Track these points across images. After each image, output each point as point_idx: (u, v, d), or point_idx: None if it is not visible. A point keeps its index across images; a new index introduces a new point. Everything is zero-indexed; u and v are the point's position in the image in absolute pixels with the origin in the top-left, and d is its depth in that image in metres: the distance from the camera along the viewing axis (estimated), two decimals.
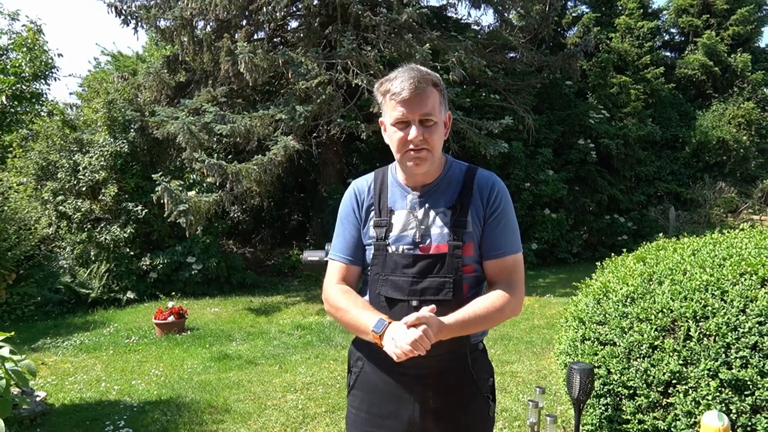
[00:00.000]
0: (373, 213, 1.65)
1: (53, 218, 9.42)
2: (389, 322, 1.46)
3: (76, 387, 4.88)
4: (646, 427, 2.63)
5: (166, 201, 7.71)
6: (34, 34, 13.59)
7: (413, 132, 1.49)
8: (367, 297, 1.67)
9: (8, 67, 13.47)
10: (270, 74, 8.97)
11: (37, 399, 4.13)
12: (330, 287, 1.67)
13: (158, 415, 4.12)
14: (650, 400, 2.62)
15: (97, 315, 8.12)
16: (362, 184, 1.72)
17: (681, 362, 2.54)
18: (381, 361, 1.62)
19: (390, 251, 1.59)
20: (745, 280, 2.59)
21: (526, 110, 10.48)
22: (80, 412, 4.25)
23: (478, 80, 11.05)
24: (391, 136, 1.55)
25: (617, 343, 2.82)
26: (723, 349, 2.45)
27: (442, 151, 1.65)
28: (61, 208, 9.13)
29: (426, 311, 1.41)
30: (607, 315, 2.96)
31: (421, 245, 1.57)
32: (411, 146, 1.51)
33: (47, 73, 14.06)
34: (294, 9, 10.52)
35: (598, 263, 3.72)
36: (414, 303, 1.54)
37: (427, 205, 1.60)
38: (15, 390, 3.70)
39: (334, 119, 8.79)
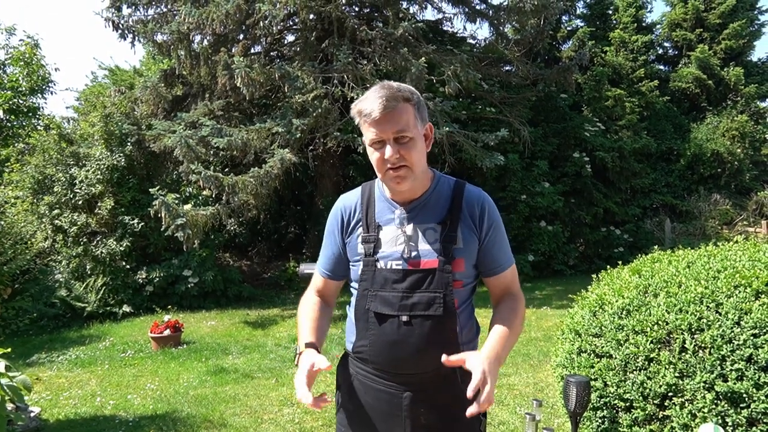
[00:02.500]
0: (360, 229, 1.64)
1: (49, 232, 9.39)
2: (300, 353, 1.56)
3: (71, 402, 4.84)
4: None
5: (163, 215, 7.71)
6: (31, 48, 13.64)
7: (388, 151, 1.48)
8: (352, 312, 1.66)
9: (5, 81, 13.51)
10: (266, 88, 9.01)
11: (32, 415, 4.10)
12: (303, 298, 1.77)
13: (154, 430, 4.09)
14: (647, 412, 2.62)
15: (92, 329, 8.07)
16: (349, 200, 1.72)
17: (677, 375, 2.55)
18: (370, 377, 1.61)
19: (379, 267, 1.58)
20: (740, 292, 2.60)
21: (522, 123, 10.54)
22: (75, 428, 4.22)
23: (473, 93, 11.12)
24: (371, 156, 1.55)
25: (613, 356, 2.83)
26: (718, 362, 2.46)
27: (430, 166, 1.65)
28: (57, 221, 9.11)
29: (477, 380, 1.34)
30: (603, 327, 2.97)
31: (410, 261, 1.56)
32: (389, 165, 1.50)
33: (44, 87, 14.09)
34: (290, 23, 10.60)
35: (595, 275, 3.73)
36: (404, 318, 1.53)
37: (415, 221, 1.59)
38: (10, 406, 3.67)
39: (330, 132, 8.83)
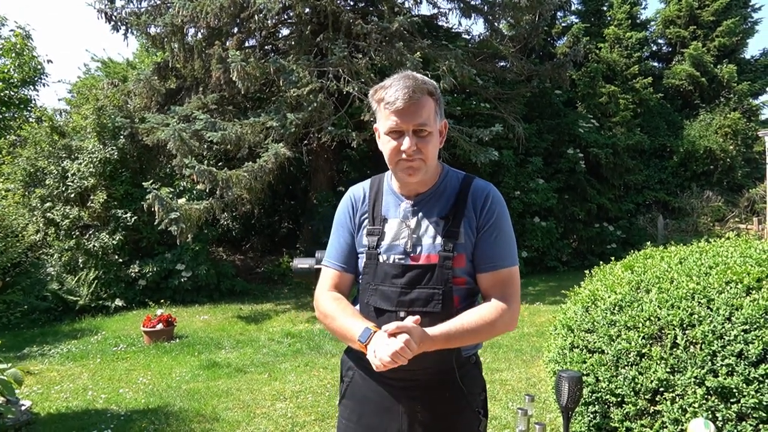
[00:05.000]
0: (366, 221, 1.63)
1: (41, 225, 9.34)
2: (374, 331, 1.43)
3: (62, 396, 4.82)
4: None
5: (157, 208, 7.68)
6: (22, 39, 13.51)
7: (406, 142, 1.46)
8: (357, 306, 1.65)
9: None
10: (261, 82, 8.97)
11: (23, 408, 4.08)
12: (321, 294, 1.66)
13: (146, 423, 4.08)
14: (638, 407, 2.64)
15: (84, 323, 8.04)
16: (359, 191, 1.69)
17: (668, 370, 2.56)
18: (371, 371, 1.58)
19: (381, 260, 1.56)
20: (731, 288, 2.61)
21: (516, 119, 10.55)
22: (66, 421, 4.20)
23: (468, 89, 11.11)
24: (385, 145, 1.52)
25: (605, 351, 2.84)
26: (709, 357, 2.47)
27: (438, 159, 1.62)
28: (49, 214, 9.06)
29: (410, 321, 1.39)
30: (595, 323, 2.98)
31: (412, 255, 1.54)
32: (404, 156, 1.48)
33: (36, 78, 13.97)
34: (285, 17, 10.55)
35: (587, 271, 3.74)
36: (401, 314, 1.51)
37: (420, 215, 1.57)
38: (0, 399, 3.65)
39: (325, 127, 8.80)
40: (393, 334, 1.36)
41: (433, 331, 1.43)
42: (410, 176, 1.51)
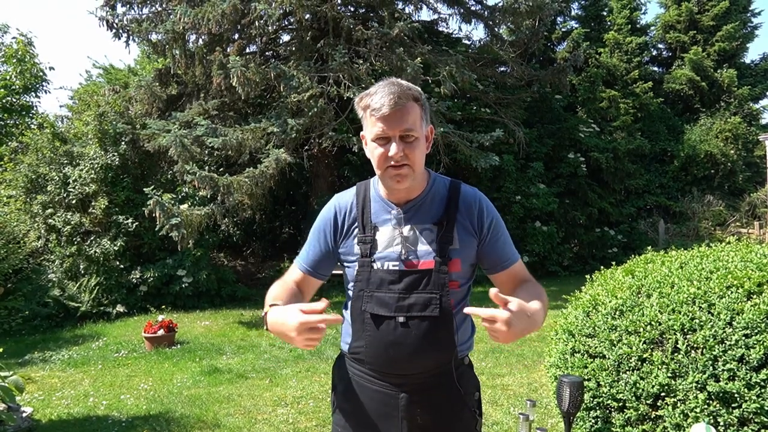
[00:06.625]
0: (356, 230, 1.62)
1: (42, 231, 9.35)
2: (267, 311, 1.45)
3: (63, 402, 4.82)
4: None
5: (158, 214, 7.68)
6: (24, 46, 13.57)
7: (393, 148, 1.46)
8: (348, 314, 1.64)
9: None
10: (262, 87, 9.00)
11: (24, 415, 4.08)
12: (275, 283, 1.66)
13: (147, 430, 4.08)
14: (639, 412, 2.63)
15: (86, 329, 8.04)
16: (344, 200, 1.68)
17: (669, 375, 2.56)
18: (366, 378, 1.60)
19: (375, 268, 1.56)
20: (732, 293, 2.61)
21: (517, 124, 10.57)
22: (67, 428, 4.20)
23: (469, 94, 11.14)
24: (372, 152, 1.52)
25: (606, 356, 2.84)
26: (710, 362, 2.47)
27: (425, 166, 1.62)
28: (50, 221, 9.07)
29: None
30: (596, 328, 2.98)
31: (406, 261, 1.54)
32: (392, 162, 1.48)
33: (38, 85, 14.03)
34: (286, 23, 10.59)
35: (588, 276, 3.74)
36: (401, 319, 1.52)
37: (412, 221, 1.57)
38: (1, 406, 3.65)
39: (325, 132, 8.82)
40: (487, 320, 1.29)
41: (533, 306, 1.41)
42: (398, 183, 1.51)
